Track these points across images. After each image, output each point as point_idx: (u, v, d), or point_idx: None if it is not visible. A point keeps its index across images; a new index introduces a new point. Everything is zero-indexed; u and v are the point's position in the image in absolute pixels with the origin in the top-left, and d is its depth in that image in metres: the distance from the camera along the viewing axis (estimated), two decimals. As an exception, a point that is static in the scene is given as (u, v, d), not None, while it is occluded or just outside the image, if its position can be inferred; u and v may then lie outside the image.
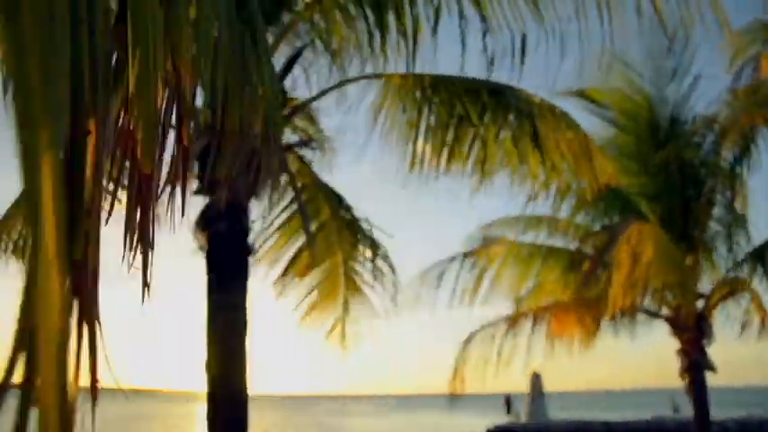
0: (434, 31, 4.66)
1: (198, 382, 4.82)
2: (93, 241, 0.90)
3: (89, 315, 0.90)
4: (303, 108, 5.25)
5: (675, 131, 8.87)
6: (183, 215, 1.26)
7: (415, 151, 5.28)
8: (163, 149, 1.16)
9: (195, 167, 4.34)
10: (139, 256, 1.09)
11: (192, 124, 1.28)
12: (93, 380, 0.91)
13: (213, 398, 4.29)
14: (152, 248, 1.10)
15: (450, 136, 5.16)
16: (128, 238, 1.10)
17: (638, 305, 8.51)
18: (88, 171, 0.85)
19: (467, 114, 5.01)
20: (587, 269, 7.76)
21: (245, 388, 4.34)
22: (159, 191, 1.18)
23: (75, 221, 0.81)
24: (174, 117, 1.23)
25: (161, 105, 1.07)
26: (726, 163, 8.51)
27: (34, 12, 0.64)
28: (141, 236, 1.10)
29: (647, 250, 6.97)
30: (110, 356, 0.92)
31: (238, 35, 2.78)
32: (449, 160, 5.24)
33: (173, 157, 1.26)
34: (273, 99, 2.67)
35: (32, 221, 0.67)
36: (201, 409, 4.47)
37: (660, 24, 4.35)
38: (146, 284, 1.07)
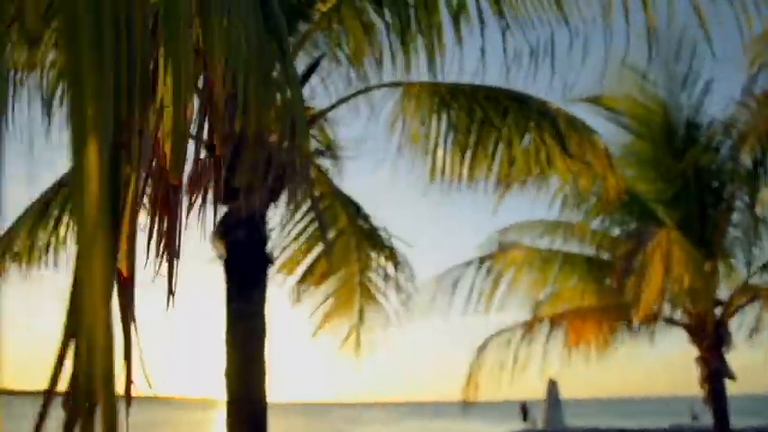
0: (459, 38, 4.65)
1: (213, 389, 4.85)
2: (129, 249, 0.92)
3: (125, 320, 0.92)
4: (321, 117, 5.28)
5: (692, 137, 8.82)
6: (212, 223, 1.28)
7: (435, 159, 5.29)
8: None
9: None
10: (165, 264, 1.11)
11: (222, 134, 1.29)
12: (128, 384, 0.93)
13: (232, 405, 4.31)
14: (178, 257, 1.12)
15: (472, 140, 5.17)
16: (153, 246, 1.12)
17: (660, 312, 8.47)
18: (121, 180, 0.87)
19: (488, 118, 5.02)
20: (617, 275, 7.70)
21: (265, 395, 4.36)
22: (191, 200, 1.19)
23: (116, 230, 0.83)
24: (204, 127, 1.25)
25: (191, 116, 1.09)
26: (744, 168, 8.45)
27: (89, 32, 0.66)
28: (167, 244, 1.12)
29: (677, 256, 6.96)
30: (146, 361, 0.94)
31: (266, 45, 2.80)
32: (471, 167, 5.25)
33: (199, 165, 1.28)
34: (300, 108, 2.69)
35: (81, 230, 0.69)
36: (216, 416, 4.49)
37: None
38: (171, 292, 1.09)
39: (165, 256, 1.11)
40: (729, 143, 8.63)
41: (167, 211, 1.11)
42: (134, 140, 0.90)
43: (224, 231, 4.50)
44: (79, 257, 0.68)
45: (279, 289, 6.35)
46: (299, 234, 6.19)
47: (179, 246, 1.13)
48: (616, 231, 9.30)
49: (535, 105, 5.07)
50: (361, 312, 6.69)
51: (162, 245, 1.12)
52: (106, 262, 0.68)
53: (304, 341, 6.93)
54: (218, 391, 4.47)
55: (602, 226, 9.33)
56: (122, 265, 0.90)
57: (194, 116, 1.15)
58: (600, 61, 4.40)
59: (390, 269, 6.35)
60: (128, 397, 0.94)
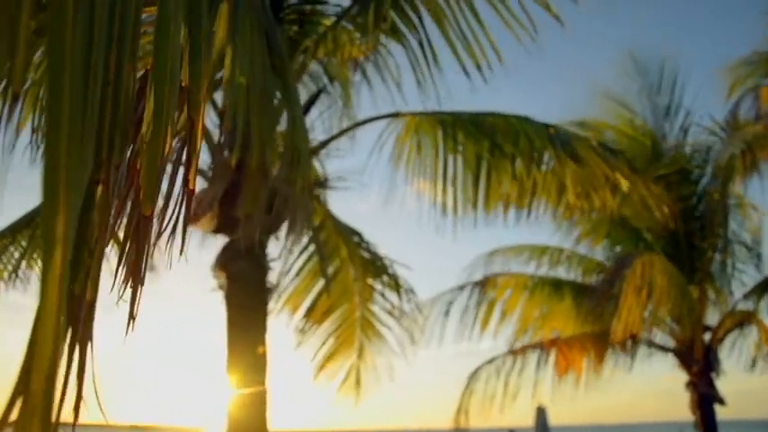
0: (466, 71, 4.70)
1: (212, 419, 4.84)
2: (93, 276, 0.98)
3: (82, 342, 0.97)
4: (321, 149, 5.36)
5: (675, 164, 8.98)
6: (181, 255, 1.34)
7: (446, 192, 5.34)
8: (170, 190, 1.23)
9: (215, 207, 4.42)
10: (129, 290, 1.15)
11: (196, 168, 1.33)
12: (77, 403, 0.93)
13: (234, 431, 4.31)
14: (142, 284, 1.17)
15: (483, 169, 5.25)
16: (120, 273, 1.16)
17: (645, 337, 8.54)
18: (96, 212, 0.96)
19: (497, 145, 5.09)
20: (596, 300, 7.78)
21: (266, 422, 4.37)
22: (160, 231, 1.24)
23: (80, 257, 0.90)
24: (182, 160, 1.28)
25: (168, 151, 1.14)
26: (727, 195, 8.59)
27: (73, 68, 0.74)
28: (134, 271, 1.17)
29: (656, 281, 7.04)
30: (100, 386, 0.95)
31: (270, 79, 2.90)
32: (487, 196, 5.32)
33: (177, 197, 1.31)
34: (305, 141, 2.77)
35: (45, 257, 0.75)
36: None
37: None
38: (132, 317, 1.13)
39: (129, 282, 1.16)
40: (710, 170, 8.79)
41: (136, 239, 1.16)
42: (112, 176, 0.98)
43: (225, 261, 4.55)
44: (41, 290, 0.74)
45: (283, 326, 6.29)
46: (302, 268, 6.17)
47: (144, 274, 1.18)
48: (602, 256, 9.41)
49: (544, 128, 5.19)
50: (361, 349, 6.65)
51: (127, 271, 1.17)
52: (60, 286, 0.74)
53: (299, 371, 6.87)
54: (218, 421, 4.49)
55: (590, 251, 9.43)
56: (87, 291, 0.96)
57: (174, 150, 1.19)
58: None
59: (393, 298, 6.32)
60: (76, 414, 0.93)
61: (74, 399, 0.92)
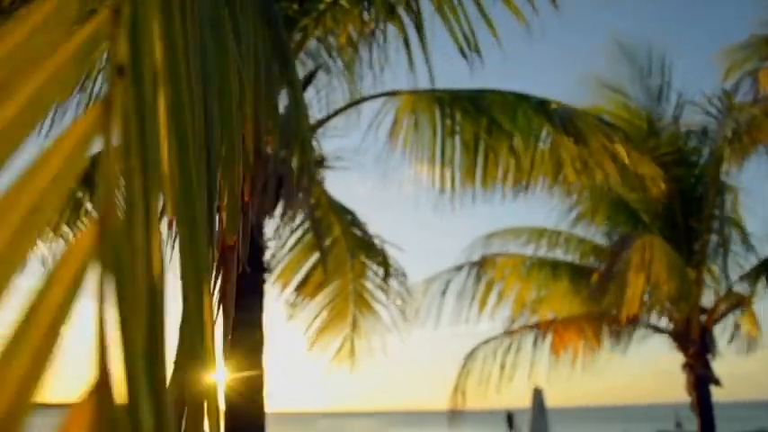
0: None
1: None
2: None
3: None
4: (318, 128, 5.33)
5: (671, 144, 8.98)
6: (243, 266, 1.38)
7: (443, 169, 5.33)
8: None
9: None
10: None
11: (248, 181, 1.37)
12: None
13: (231, 415, 4.31)
14: (233, 313, 1.20)
15: (481, 147, 5.23)
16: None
17: (644, 318, 8.57)
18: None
19: (496, 122, 5.06)
20: (597, 282, 7.80)
21: (263, 405, 4.38)
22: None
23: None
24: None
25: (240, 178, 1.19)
26: (725, 177, 8.60)
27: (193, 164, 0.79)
28: (223, 298, 1.20)
29: (657, 262, 7.06)
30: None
31: (272, 60, 2.86)
32: (484, 174, 5.30)
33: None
34: (305, 120, 2.75)
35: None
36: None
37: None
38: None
39: (221, 310, 1.20)
40: (708, 151, 8.80)
41: (225, 268, 1.19)
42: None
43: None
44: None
45: (275, 301, 6.36)
46: (295, 244, 6.22)
47: (233, 301, 1.22)
48: (600, 238, 9.45)
49: (543, 104, 5.16)
50: (354, 322, 6.71)
51: (218, 299, 1.20)
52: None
53: (295, 351, 6.93)
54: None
55: (589, 232, 9.46)
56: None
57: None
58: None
59: (386, 278, 6.38)
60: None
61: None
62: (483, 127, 5.12)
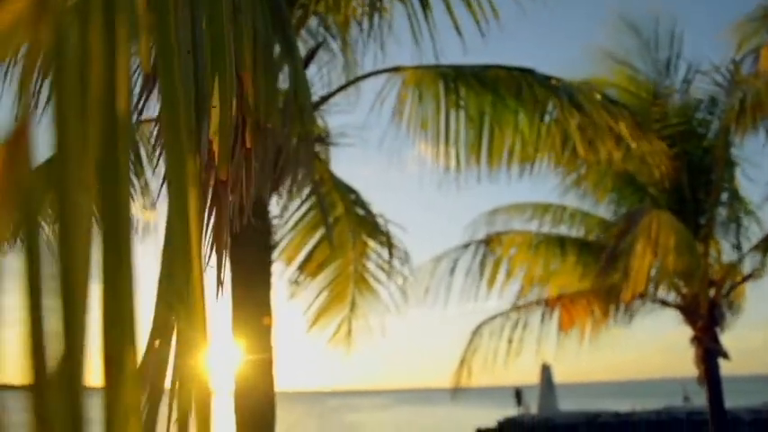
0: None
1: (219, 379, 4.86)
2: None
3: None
4: (321, 104, 5.29)
5: (680, 116, 8.91)
6: (248, 217, 1.35)
7: (448, 147, 5.29)
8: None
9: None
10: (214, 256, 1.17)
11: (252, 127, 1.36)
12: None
13: (240, 394, 4.33)
14: (226, 249, 1.18)
15: (486, 123, 5.18)
16: (205, 240, 1.18)
17: (653, 293, 8.56)
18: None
19: (500, 97, 5.01)
20: (605, 259, 7.76)
21: (273, 384, 4.39)
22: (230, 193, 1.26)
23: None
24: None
25: (234, 113, 1.17)
26: (733, 150, 8.54)
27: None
28: (217, 236, 1.18)
29: (666, 237, 7.03)
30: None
31: (271, 33, 2.83)
32: (489, 151, 5.26)
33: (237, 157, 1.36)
34: (307, 95, 2.73)
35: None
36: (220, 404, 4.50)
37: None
38: (220, 282, 1.14)
39: (214, 249, 1.17)
40: (716, 125, 8.72)
41: (217, 204, 1.17)
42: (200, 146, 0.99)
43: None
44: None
45: (277, 279, 6.36)
46: (297, 222, 6.20)
47: (227, 238, 1.19)
48: (605, 212, 9.41)
49: (548, 80, 5.11)
50: (353, 303, 6.71)
51: (211, 238, 1.18)
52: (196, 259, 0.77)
53: (297, 331, 6.96)
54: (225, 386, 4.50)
55: (595, 208, 9.41)
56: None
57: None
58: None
59: (390, 258, 6.37)
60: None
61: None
62: (488, 102, 5.08)
